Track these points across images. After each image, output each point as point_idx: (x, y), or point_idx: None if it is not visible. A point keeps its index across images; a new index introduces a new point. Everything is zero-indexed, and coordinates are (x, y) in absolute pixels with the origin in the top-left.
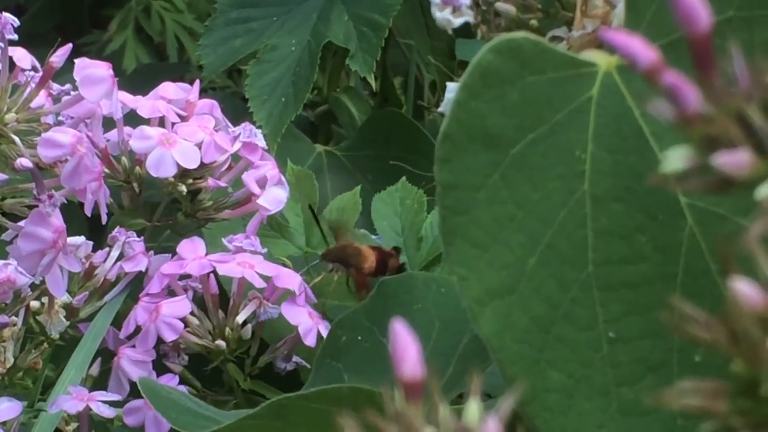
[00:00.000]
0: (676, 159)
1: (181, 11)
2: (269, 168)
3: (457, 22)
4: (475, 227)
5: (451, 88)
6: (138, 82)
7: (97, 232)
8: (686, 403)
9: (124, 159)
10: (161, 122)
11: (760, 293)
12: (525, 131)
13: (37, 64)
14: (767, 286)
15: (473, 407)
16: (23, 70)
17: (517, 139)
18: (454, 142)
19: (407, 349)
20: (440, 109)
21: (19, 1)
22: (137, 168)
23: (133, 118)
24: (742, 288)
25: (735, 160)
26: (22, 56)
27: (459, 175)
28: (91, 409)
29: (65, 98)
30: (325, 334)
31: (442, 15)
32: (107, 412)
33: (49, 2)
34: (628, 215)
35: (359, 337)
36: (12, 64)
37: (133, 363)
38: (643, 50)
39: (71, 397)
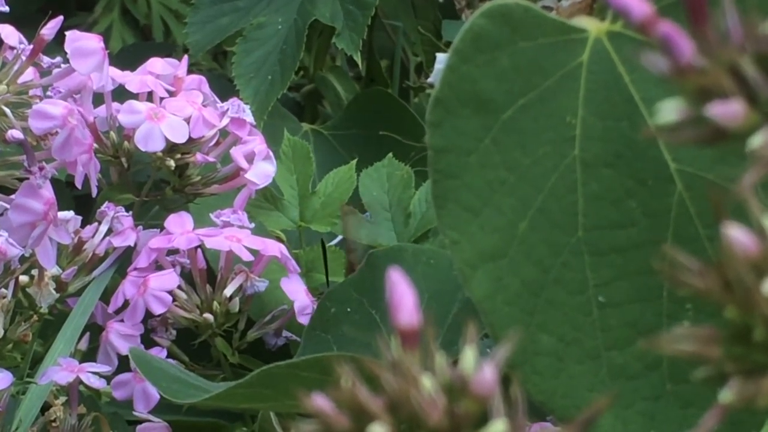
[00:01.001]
0: (668, 111)
1: None
2: (257, 143)
3: None
4: (466, 191)
5: (441, 59)
6: (124, 61)
7: (83, 210)
8: (679, 349)
9: (112, 134)
10: (149, 97)
11: (753, 239)
12: (516, 96)
13: (25, 41)
14: (760, 232)
15: (469, 355)
16: (11, 47)
17: (508, 103)
18: (445, 106)
19: (404, 297)
20: (429, 80)
21: None
22: (126, 143)
23: (120, 95)
24: (736, 234)
25: (728, 110)
26: (9, 33)
27: (450, 139)
28: (81, 381)
29: (56, 71)
30: None
31: None
32: (97, 383)
33: None
34: (618, 180)
35: (348, 309)
36: None
37: (121, 337)
38: (637, 3)
39: (61, 368)
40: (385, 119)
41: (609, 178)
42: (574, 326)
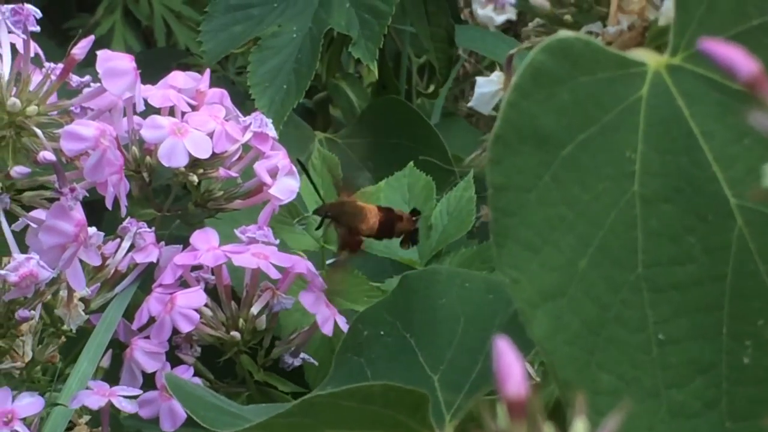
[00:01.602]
0: None
1: None
2: (280, 158)
3: (500, 19)
4: (526, 229)
5: (481, 83)
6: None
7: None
8: None
9: (134, 148)
10: (171, 111)
11: None
12: (575, 132)
13: (40, 52)
14: None
15: (579, 427)
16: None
17: (567, 139)
18: (505, 142)
19: (512, 366)
20: (470, 104)
21: None
22: (147, 157)
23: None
24: None
25: None
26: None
27: (510, 176)
28: (112, 405)
29: (86, 90)
30: (342, 325)
31: (484, 12)
32: (129, 408)
33: None
34: (678, 216)
35: (381, 332)
36: (15, 52)
37: (146, 354)
38: (744, 61)
39: (92, 393)
40: (399, 127)
41: (668, 214)
42: (633, 365)
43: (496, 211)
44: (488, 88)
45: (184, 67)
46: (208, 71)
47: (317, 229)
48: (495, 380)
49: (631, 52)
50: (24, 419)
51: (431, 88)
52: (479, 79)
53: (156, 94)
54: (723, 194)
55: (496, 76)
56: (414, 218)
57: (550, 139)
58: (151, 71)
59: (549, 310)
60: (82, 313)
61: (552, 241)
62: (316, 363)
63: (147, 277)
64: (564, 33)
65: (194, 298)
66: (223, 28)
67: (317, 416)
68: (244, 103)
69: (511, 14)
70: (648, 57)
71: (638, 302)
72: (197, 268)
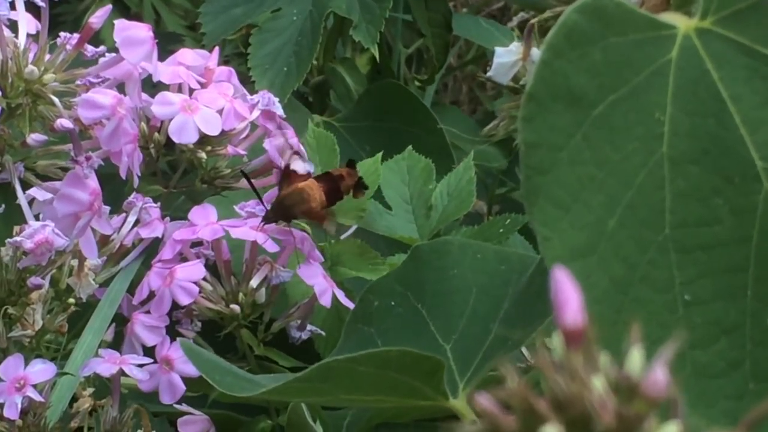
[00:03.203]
0: None
1: None
2: (289, 136)
3: None
4: (557, 187)
5: (500, 53)
6: None
7: None
8: None
9: (142, 124)
10: (179, 88)
11: None
12: (607, 92)
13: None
14: None
15: (635, 356)
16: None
17: (599, 99)
18: (538, 101)
19: (570, 296)
20: (489, 74)
21: None
22: (156, 134)
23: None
24: None
25: None
26: (29, 20)
27: (542, 134)
28: (123, 372)
29: (102, 60)
30: (341, 298)
31: None
32: (139, 375)
33: None
34: (705, 178)
35: (392, 303)
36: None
37: (146, 328)
38: None
39: (104, 360)
40: (397, 111)
41: (696, 176)
42: (660, 324)
43: (529, 169)
44: (507, 58)
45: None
46: (216, 49)
47: (266, 222)
48: (552, 309)
49: (662, 15)
50: (35, 385)
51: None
52: (498, 49)
53: (165, 70)
54: (750, 157)
55: (515, 46)
56: (353, 169)
57: (582, 99)
58: None
59: (578, 269)
60: (93, 282)
61: (582, 199)
62: (324, 334)
63: (151, 252)
64: None
65: (193, 271)
66: (223, 10)
67: (334, 381)
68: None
69: None
70: (678, 20)
71: (665, 263)
72: (198, 244)
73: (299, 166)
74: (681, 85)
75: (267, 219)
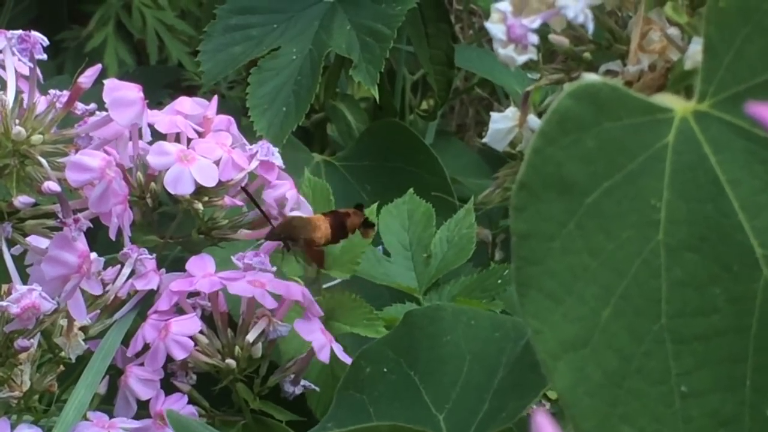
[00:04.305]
0: None
1: (163, 8)
2: (287, 187)
3: (521, 59)
4: (549, 278)
5: (496, 119)
6: None
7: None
8: None
9: (138, 174)
10: (177, 137)
11: None
12: (600, 179)
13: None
14: None
15: None
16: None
17: (592, 187)
18: (529, 189)
19: None
20: (485, 140)
21: None
22: (152, 184)
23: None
24: None
25: None
26: (19, 64)
27: (534, 224)
28: None
29: (92, 119)
30: (339, 354)
31: (505, 52)
32: None
33: None
34: (702, 266)
35: (385, 369)
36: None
37: (141, 382)
38: None
39: (92, 424)
40: (398, 151)
41: (693, 264)
42: (655, 418)
43: (520, 260)
44: (503, 124)
45: (177, 85)
46: (215, 98)
47: (269, 239)
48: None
49: (658, 97)
50: None
51: (424, 104)
52: (494, 115)
53: (163, 119)
54: (749, 244)
55: (511, 111)
56: (359, 210)
57: (575, 187)
58: (143, 89)
59: (571, 362)
60: (82, 343)
61: (575, 290)
62: (318, 389)
63: (146, 303)
64: (590, 77)
65: (189, 325)
66: (222, 49)
67: None
68: (236, 118)
69: (532, 54)
70: (675, 103)
71: (661, 353)
72: (194, 294)
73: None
74: (678, 169)
75: (271, 235)
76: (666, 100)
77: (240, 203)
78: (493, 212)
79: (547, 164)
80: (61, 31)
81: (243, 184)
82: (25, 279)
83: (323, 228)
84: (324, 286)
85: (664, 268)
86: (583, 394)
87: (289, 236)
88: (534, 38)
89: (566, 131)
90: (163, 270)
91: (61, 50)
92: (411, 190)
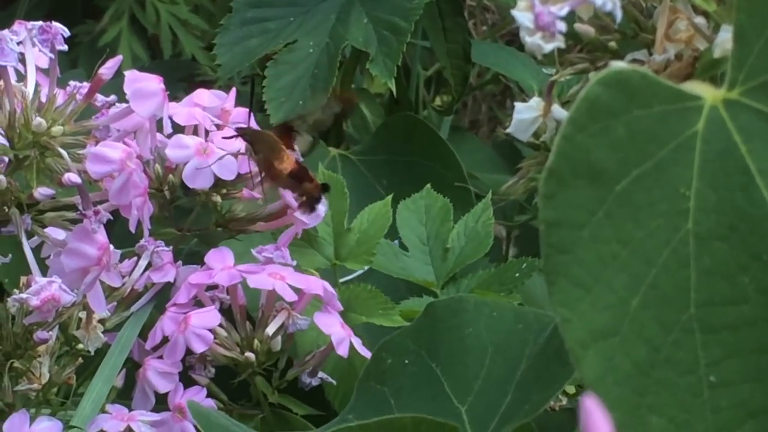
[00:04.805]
0: None
1: (177, 3)
2: None
3: (548, 47)
4: (578, 266)
5: (520, 109)
6: None
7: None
8: None
9: (157, 166)
10: (195, 129)
11: None
12: (630, 167)
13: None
14: None
15: None
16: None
17: (622, 174)
18: (559, 177)
19: (600, 426)
20: (509, 130)
21: None
22: (171, 176)
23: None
24: None
25: None
26: (38, 55)
27: (563, 211)
28: (131, 429)
29: (112, 110)
30: (358, 347)
31: (533, 40)
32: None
33: None
34: (732, 255)
35: (406, 361)
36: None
37: (159, 375)
38: None
39: (111, 417)
40: (414, 145)
41: (722, 253)
42: (684, 408)
43: (549, 248)
44: (527, 114)
45: (190, 79)
46: (233, 90)
47: (231, 137)
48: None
49: (687, 85)
50: None
51: (437, 100)
52: (518, 105)
53: (181, 112)
54: None
55: (535, 102)
56: (322, 187)
57: (605, 174)
58: None
59: (600, 351)
60: (101, 335)
61: (604, 279)
62: (335, 382)
63: (163, 296)
64: (619, 65)
65: (208, 318)
66: (239, 42)
67: None
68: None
69: (560, 42)
70: (704, 90)
71: (690, 343)
72: (212, 287)
73: (320, 210)
74: (707, 158)
75: (238, 130)
76: (696, 87)
77: (258, 196)
78: (508, 208)
79: (576, 151)
80: (75, 26)
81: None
82: (43, 271)
83: (285, 165)
84: (341, 280)
85: (693, 257)
86: (612, 383)
87: (251, 142)
88: (562, 26)
89: (596, 118)
90: (179, 262)
91: (75, 45)
92: (428, 185)
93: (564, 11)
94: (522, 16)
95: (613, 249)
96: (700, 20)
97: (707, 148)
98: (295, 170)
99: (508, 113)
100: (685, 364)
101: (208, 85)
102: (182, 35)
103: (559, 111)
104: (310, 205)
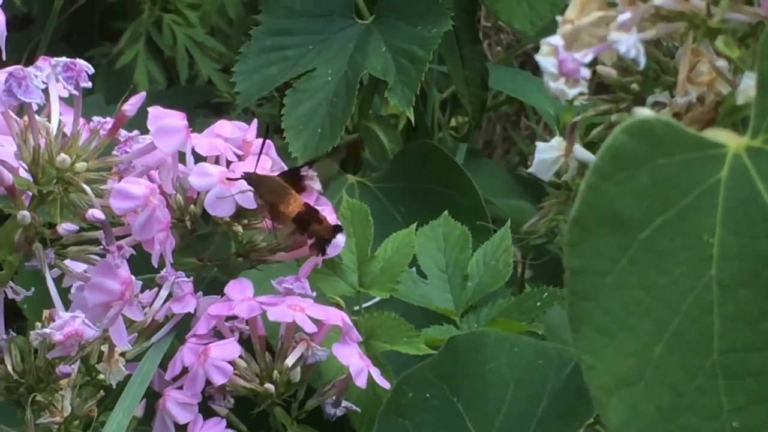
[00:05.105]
0: None
1: (194, 25)
2: (326, 212)
3: (572, 93)
4: (602, 314)
5: (542, 149)
6: (162, 105)
7: None
8: None
9: (179, 196)
10: (217, 160)
11: None
12: (654, 214)
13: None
14: None
15: None
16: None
17: (645, 222)
18: (583, 225)
19: None
20: (530, 170)
21: (27, 11)
22: (192, 206)
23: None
24: None
25: None
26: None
27: (588, 259)
28: None
29: (135, 146)
30: (377, 378)
31: (556, 85)
32: None
33: (57, 12)
34: (755, 301)
35: (427, 395)
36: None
37: (179, 405)
38: None
39: None
40: (432, 172)
41: (745, 299)
42: None
43: (573, 295)
44: (549, 154)
45: (206, 104)
46: (255, 122)
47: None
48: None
49: (710, 132)
50: None
51: (452, 121)
52: (539, 145)
53: (203, 142)
54: None
55: (557, 141)
56: (333, 229)
57: (629, 222)
58: (173, 110)
59: (624, 397)
60: (123, 369)
61: (628, 326)
62: (359, 410)
63: (183, 325)
64: (643, 112)
65: (228, 349)
66: (258, 70)
67: None
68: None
69: (583, 87)
70: (728, 138)
71: (713, 389)
72: (232, 318)
73: (339, 241)
74: (731, 206)
75: (246, 174)
76: (719, 135)
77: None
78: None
79: (601, 200)
80: (92, 48)
81: None
82: (65, 304)
83: (290, 208)
84: (363, 305)
85: (716, 303)
86: (637, 430)
87: (258, 187)
88: (586, 72)
89: (620, 167)
90: (200, 293)
91: (93, 67)
92: (446, 212)
93: (588, 58)
94: (545, 61)
95: (637, 296)
96: (722, 63)
97: (730, 196)
98: (301, 213)
99: (522, 134)
100: (708, 410)
101: (223, 107)
102: (198, 58)
103: (581, 151)
104: (320, 247)
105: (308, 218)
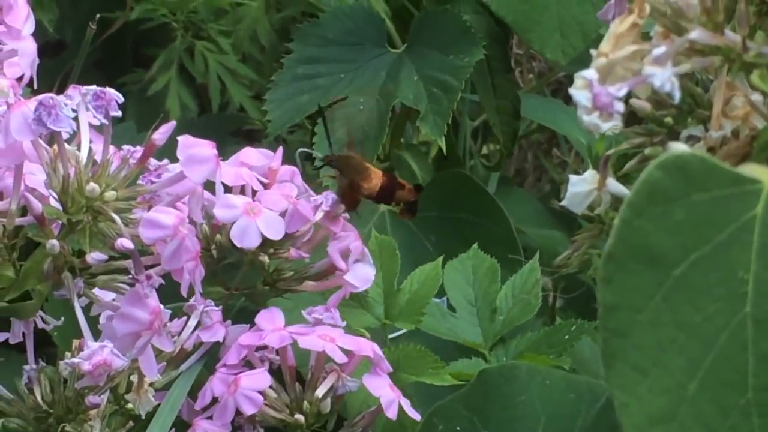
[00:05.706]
0: None
1: (226, 53)
2: (352, 239)
3: (606, 126)
4: (635, 350)
5: (574, 182)
6: (194, 133)
7: None
8: None
9: (204, 226)
10: (242, 189)
11: None
12: (688, 251)
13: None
14: None
15: None
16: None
17: (680, 259)
18: (617, 261)
19: None
20: (563, 203)
21: (60, 38)
22: (218, 236)
23: None
24: None
25: None
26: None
27: (621, 295)
28: None
29: (165, 175)
30: (407, 409)
31: (590, 119)
32: None
33: (90, 38)
34: None
35: (458, 428)
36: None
37: None
38: None
39: None
40: (463, 201)
41: None
42: None
43: (606, 331)
44: (581, 187)
45: (238, 131)
46: (280, 149)
47: (315, 169)
48: None
49: (745, 168)
50: None
51: (484, 149)
52: (572, 177)
53: (229, 172)
54: None
55: (590, 174)
56: (416, 191)
57: (663, 258)
58: (205, 137)
59: None
60: (152, 399)
61: (662, 363)
62: None
63: (212, 354)
64: (678, 147)
65: (258, 380)
66: (289, 98)
67: None
68: (296, 163)
69: (617, 121)
70: (763, 174)
71: (747, 427)
72: (262, 347)
73: (369, 274)
74: (766, 242)
75: (324, 158)
76: (754, 170)
77: (305, 255)
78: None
79: (635, 236)
80: (124, 75)
81: (308, 236)
82: (95, 333)
83: (374, 182)
84: (389, 336)
85: (751, 341)
86: None
87: (339, 168)
88: (620, 106)
89: (655, 203)
90: (228, 321)
91: (124, 94)
92: (475, 245)
93: (622, 92)
94: (579, 94)
95: (671, 333)
96: (757, 97)
97: (766, 232)
98: (384, 186)
99: (554, 162)
100: None
101: (254, 134)
102: (230, 84)
103: (614, 185)
104: (410, 211)
105: (392, 189)
